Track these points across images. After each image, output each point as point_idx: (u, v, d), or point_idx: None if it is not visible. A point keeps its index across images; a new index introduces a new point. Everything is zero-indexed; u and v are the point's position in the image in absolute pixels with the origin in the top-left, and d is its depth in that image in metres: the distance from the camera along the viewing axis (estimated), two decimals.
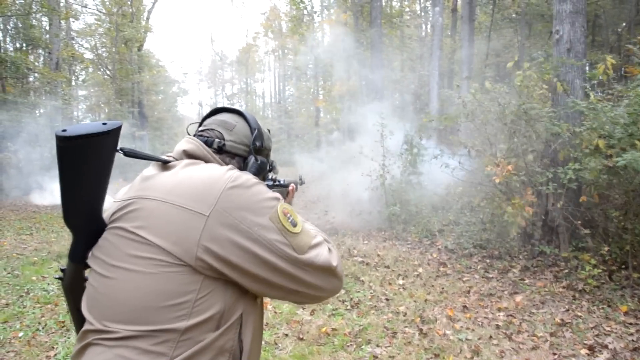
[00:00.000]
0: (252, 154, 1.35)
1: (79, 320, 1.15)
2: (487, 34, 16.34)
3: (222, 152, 1.32)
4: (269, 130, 1.51)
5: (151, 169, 1.22)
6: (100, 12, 25.56)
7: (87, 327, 1.08)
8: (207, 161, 1.25)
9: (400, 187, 10.11)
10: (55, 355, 4.05)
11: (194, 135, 1.35)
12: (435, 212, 9.60)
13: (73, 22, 24.34)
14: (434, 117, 8.52)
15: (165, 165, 1.20)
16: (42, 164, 17.52)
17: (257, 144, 1.37)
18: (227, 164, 1.30)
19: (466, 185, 8.71)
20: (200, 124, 1.41)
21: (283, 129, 40.15)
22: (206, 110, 58.89)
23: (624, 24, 15.78)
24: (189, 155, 1.25)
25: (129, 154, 1.15)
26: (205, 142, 1.30)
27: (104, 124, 1.02)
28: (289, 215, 1.15)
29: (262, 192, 1.13)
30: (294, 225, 1.14)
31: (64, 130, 0.99)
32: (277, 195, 1.18)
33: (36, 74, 19.91)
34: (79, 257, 1.16)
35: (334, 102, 22.41)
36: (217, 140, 1.32)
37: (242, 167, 1.35)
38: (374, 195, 10.87)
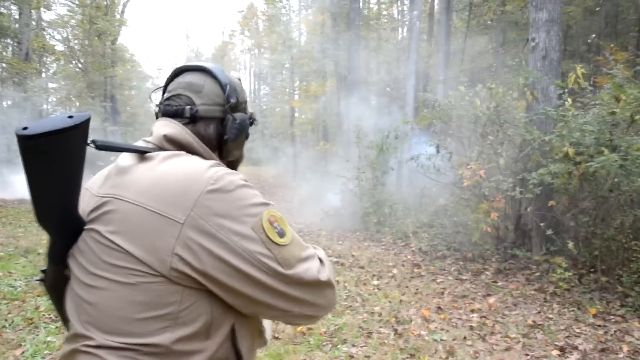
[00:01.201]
0: (229, 113, 1.21)
1: (65, 319, 1.09)
2: (463, 40, 16.59)
3: (196, 120, 1.18)
4: (239, 80, 1.33)
5: (127, 157, 1.11)
6: (73, 3, 25.00)
7: (76, 331, 1.02)
8: (190, 149, 1.12)
9: (374, 187, 10.16)
10: (23, 353, 3.94)
11: (160, 104, 1.22)
12: (409, 214, 9.68)
13: (44, 12, 23.78)
14: (408, 119, 8.58)
15: (142, 155, 1.09)
16: (7, 156, 17.06)
17: (232, 100, 1.21)
18: (203, 132, 1.18)
19: (440, 187, 8.81)
20: (164, 90, 1.27)
21: (257, 128, 39.91)
22: None
23: (594, 35, 16.22)
24: (169, 140, 1.12)
25: (101, 147, 1.05)
26: (175, 113, 1.18)
27: (70, 117, 0.92)
28: (276, 224, 1.02)
29: (246, 197, 1.01)
30: (282, 235, 1.01)
31: (25, 129, 0.89)
32: (265, 200, 1.05)
33: (4, 64, 19.36)
34: (58, 258, 1.08)
35: (309, 102, 22.41)
36: (187, 107, 1.17)
37: (221, 130, 1.22)
38: (348, 195, 10.91)
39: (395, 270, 6.75)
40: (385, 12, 24.93)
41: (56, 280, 1.11)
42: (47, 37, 24.80)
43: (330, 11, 17.53)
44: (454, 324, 4.73)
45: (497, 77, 6.74)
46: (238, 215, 0.97)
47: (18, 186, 15.15)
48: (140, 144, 1.14)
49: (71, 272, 1.06)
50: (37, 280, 1.13)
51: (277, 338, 4.39)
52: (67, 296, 1.08)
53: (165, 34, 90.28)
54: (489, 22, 16.78)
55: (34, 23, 21.91)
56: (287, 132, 29.36)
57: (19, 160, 0.95)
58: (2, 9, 19.92)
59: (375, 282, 6.21)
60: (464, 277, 6.34)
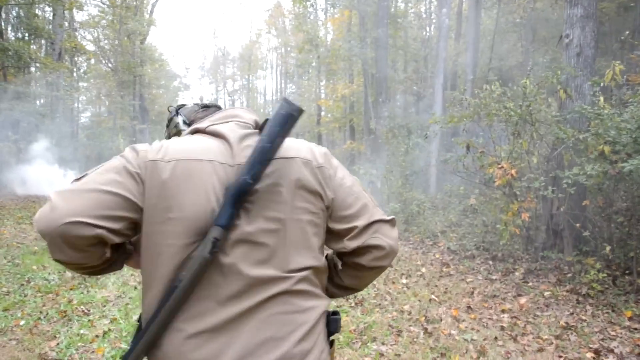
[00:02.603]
0: None
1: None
2: (492, 38, 16.35)
3: None
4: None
5: (234, 130, 1.28)
6: (104, 3, 25.47)
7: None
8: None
9: (402, 186, 10.11)
10: (58, 344, 4.03)
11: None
12: (437, 213, 9.61)
13: (77, 12, 24.28)
14: (439, 118, 8.48)
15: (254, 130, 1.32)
16: (42, 154, 17.47)
17: None
18: None
19: (469, 186, 8.72)
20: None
21: None
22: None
23: (627, 32, 15.82)
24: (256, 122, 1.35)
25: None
26: None
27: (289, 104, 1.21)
28: None
29: None
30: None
31: (291, 108, 1.20)
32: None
33: (38, 64, 19.82)
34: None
35: (336, 101, 22.39)
36: None
37: None
38: (375, 195, 10.88)
39: (424, 269, 6.71)
40: (412, 10, 24.77)
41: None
42: (79, 37, 25.29)
43: (357, 9, 17.49)
44: (485, 324, 4.68)
45: (528, 75, 6.60)
46: None
47: (49, 184, 15.51)
48: (233, 125, 1.30)
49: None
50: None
51: None
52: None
53: (192, 34, 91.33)
54: (518, 19, 16.49)
55: (66, 24, 22.36)
56: (314, 131, 29.42)
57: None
58: (37, 10, 20.40)
59: (404, 281, 6.19)
60: (494, 277, 6.27)
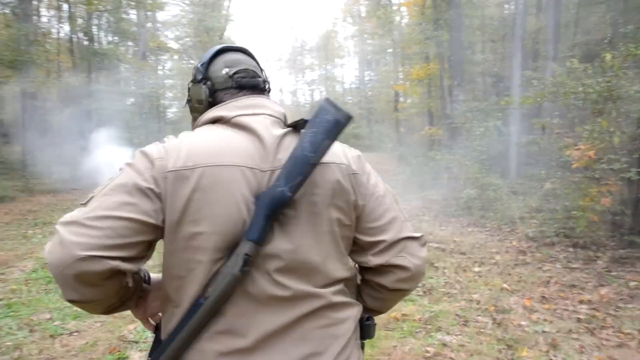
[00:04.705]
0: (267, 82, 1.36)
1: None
2: (576, 11, 15.29)
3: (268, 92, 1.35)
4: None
5: (268, 129, 1.16)
6: (184, 2, 26.50)
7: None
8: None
9: (478, 171, 9.77)
10: (135, 327, 4.28)
11: (233, 76, 1.27)
12: (516, 199, 9.20)
13: (159, 13, 25.43)
14: (511, 99, 8.08)
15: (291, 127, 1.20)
16: (131, 151, 18.50)
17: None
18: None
19: (551, 170, 8.27)
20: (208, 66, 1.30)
21: (363, 114, 39.96)
22: (287, 96, 59.15)
23: None
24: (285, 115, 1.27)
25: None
26: (256, 86, 1.30)
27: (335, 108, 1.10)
28: None
29: None
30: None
31: (340, 114, 1.09)
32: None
33: (125, 65, 21.02)
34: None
35: (413, 86, 21.97)
36: (264, 82, 1.33)
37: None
38: (452, 180, 10.62)
39: (498, 257, 6.47)
40: None
41: None
42: (161, 37, 26.49)
43: None
44: (559, 315, 4.43)
45: (614, 49, 6.11)
46: None
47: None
48: (263, 119, 1.18)
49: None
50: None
51: None
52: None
53: (270, 26, 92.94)
54: None
55: (149, 24, 23.50)
56: (392, 117, 29.08)
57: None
58: (123, 14, 21.60)
59: (476, 269, 6.00)
60: (574, 266, 5.92)
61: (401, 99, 28.93)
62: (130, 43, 23.04)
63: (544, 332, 4.06)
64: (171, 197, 1.03)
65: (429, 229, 8.56)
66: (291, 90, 59.91)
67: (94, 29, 20.40)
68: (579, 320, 4.30)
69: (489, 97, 13.45)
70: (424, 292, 5.21)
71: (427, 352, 3.80)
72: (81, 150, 12.91)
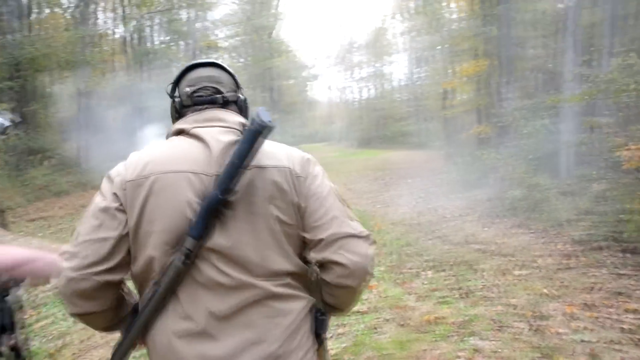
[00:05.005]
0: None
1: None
2: (637, 1, 14.51)
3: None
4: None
5: (219, 139, 1.31)
6: (234, 2, 26.94)
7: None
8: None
9: (525, 172, 9.46)
10: None
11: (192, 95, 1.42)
12: (565, 200, 8.84)
13: (208, 12, 25.95)
14: (559, 97, 7.77)
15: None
16: None
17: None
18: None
19: (602, 171, 7.91)
20: (176, 85, 1.48)
21: (412, 112, 39.54)
22: (336, 94, 59.09)
23: None
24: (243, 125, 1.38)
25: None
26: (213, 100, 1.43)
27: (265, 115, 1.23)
28: None
29: None
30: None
31: (262, 120, 1.21)
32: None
33: (176, 64, 21.57)
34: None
35: (462, 83, 21.53)
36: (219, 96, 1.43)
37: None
38: (498, 180, 10.34)
39: (541, 261, 6.24)
40: None
41: None
42: (212, 36, 27.01)
43: None
44: (602, 324, 4.22)
45: None
46: None
47: None
48: (215, 130, 1.32)
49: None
50: None
51: (402, 325, 4.34)
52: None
53: (320, 23, 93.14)
54: None
55: (200, 24, 24.02)
56: (441, 114, 28.59)
57: None
58: (176, 15, 22.18)
59: (517, 273, 5.81)
60: (622, 272, 5.62)
61: (450, 97, 28.43)
62: (181, 42, 23.63)
63: (583, 341, 3.88)
64: (131, 204, 1.22)
65: (471, 230, 8.36)
66: (340, 88, 59.91)
67: (147, 30, 21.04)
68: (622, 330, 4.09)
69: (540, 94, 13.00)
70: (461, 295, 5.10)
71: (458, 357, 3.72)
72: (132, 146, 13.31)
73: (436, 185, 14.60)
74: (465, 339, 4.02)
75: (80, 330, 4.36)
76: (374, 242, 1.35)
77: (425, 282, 5.60)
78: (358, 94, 54.69)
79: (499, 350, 3.77)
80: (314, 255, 1.30)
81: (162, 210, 1.20)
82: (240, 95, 1.47)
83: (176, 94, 1.46)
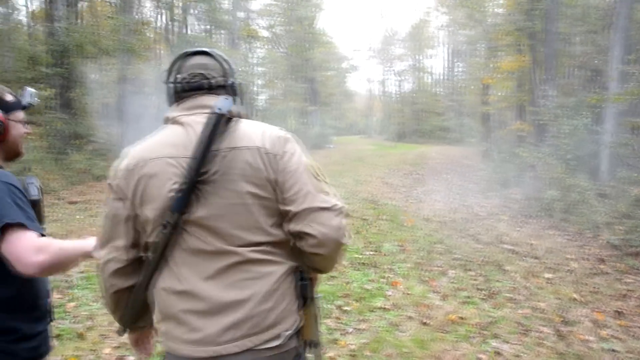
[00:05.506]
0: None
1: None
2: None
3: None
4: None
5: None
6: None
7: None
8: None
9: (564, 171, 9.20)
10: None
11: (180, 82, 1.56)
12: (603, 202, 8.56)
13: (251, 2, 26.10)
14: (600, 97, 7.49)
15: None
16: None
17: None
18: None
19: None
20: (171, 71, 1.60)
21: (452, 107, 38.96)
22: (375, 86, 58.56)
23: None
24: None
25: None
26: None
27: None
28: None
29: None
30: None
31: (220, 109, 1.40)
32: None
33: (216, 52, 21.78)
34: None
35: (503, 79, 21.03)
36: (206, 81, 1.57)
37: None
38: (535, 179, 10.09)
39: (574, 264, 6.07)
40: None
41: None
42: (253, 25, 27.15)
43: None
44: (633, 334, 4.09)
45: None
46: None
47: None
48: (199, 117, 1.47)
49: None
50: None
51: (425, 324, 4.30)
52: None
53: (361, 15, 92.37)
54: None
55: (242, 13, 24.16)
56: (480, 110, 28.05)
57: None
58: (217, 4, 22.36)
59: (548, 275, 5.67)
60: None
61: (491, 92, 27.83)
62: (222, 31, 23.84)
63: (612, 350, 3.77)
64: (130, 190, 1.42)
65: (504, 229, 8.20)
66: (380, 80, 59.40)
67: (189, 19, 21.30)
68: None
69: (582, 92, 12.59)
70: (487, 295, 5.01)
71: (479, 359, 3.66)
72: None
73: (472, 182, 14.38)
74: (487, 340, 3.95)
75: (108, 314, 4.49)
76: (345, 214, 1.46)
77: (452, 281, 5.52)
78: (397, 87, 54.19)
79: (521, 354, 3.70)
80: (286, 226, 1.43)
81: (151, 191, 1.39)
82: (231, 80, 1.58)
83: (171, 79, 1.57)
